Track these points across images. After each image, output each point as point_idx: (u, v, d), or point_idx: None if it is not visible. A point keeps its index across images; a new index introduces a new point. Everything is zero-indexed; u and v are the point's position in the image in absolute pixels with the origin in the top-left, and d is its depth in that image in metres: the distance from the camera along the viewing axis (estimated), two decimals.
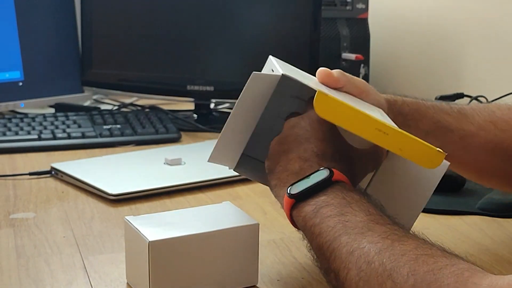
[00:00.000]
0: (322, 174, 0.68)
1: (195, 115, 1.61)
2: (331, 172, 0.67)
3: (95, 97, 1.77)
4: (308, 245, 0.68)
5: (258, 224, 0.74)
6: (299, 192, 0.67)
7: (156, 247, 0.68)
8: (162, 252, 0.69)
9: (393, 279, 0.57)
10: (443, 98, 1.43)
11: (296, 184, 0.68)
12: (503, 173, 0.89)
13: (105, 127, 1.43)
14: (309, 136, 0.72)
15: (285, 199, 0.68)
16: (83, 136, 1.38)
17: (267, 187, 0.76)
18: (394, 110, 0.83)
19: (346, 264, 0.61)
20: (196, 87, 1.53)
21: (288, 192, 0.68)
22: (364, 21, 1.70)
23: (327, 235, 0.63)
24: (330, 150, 0.71)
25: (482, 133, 0.86)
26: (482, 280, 0.53)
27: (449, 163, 0.77)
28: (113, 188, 1.04)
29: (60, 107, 1.58)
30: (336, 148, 0.72)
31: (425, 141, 0.71)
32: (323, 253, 0.64)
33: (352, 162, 0.73)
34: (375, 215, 0.64)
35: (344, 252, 0.61)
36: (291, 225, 0.70)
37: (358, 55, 1.62)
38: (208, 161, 0.77)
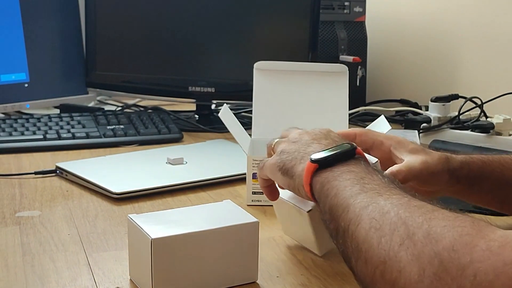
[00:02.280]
0: (345, 147, 0.69)
1: (196, 116, 1.61)
2: (354, 146, 0.69)
3: (99, 98, 1.77)
4: (321, 211, 0.66)
5: (258, 222, 0.74)
6: (323, 157, 0.68)
7: (159, 244, 0.68)
8: (164, 249, 0.69)
9: (407, 225, 0.55)
10: (438, 99, 1.43)
11: (319, 153, 0.69)
12: None
13: (108, 127, 1.43)
14: (323, 132, 0.76)
15: (307, 165, 0.68)
16: (87, 136, 1.38)
17: None
18: (460, 176, 0.83)
19: (358, 217, 0.59)
20: (198, 89, 1.53)
21: (312, 158, 0.68)
22: (361, 24, 1.70)
23: (343, 194, 0.63)
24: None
25: None
26: (496, 230, 0.52)
27: (376, 160, 0.81)
28: (117, 187, 1.03)
29: (64, 108, 1.58)
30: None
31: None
32: (336, 211, 0.62)
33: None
34: (394, 183, 0.64)
35: (358, 207, 0.60)
36: (307, 193, 0.69)
37: (356, 57, 1.62)
38: None
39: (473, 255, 0.50)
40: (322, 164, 0.67)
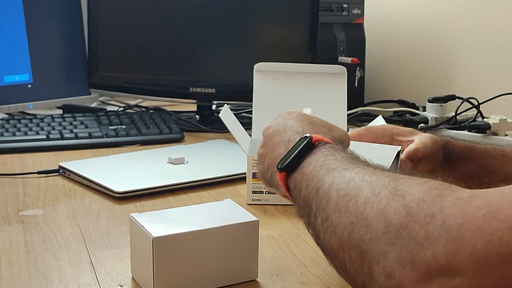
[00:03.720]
0: (302, 142, 0.68)
1: (197, 116, 1.61)
2: (310, 137, 0.67)
3: (101, 99, 1.77)
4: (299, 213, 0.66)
5: (258, 221, 0.74)
6: (286, 164, 0.67)
7: (160, 242, 0.68)
8: (166, 248, 0.69)
9: (372, 185, 0.54)
10: (435, 99, 1.43)
11: (282, 159, 0.68)
12: None
13: (111, 127, 1.43)
14: (285, 124, 0.74)
15: (278, 177, 0.68)
16: (90, 136, 1.38)
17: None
18: (446, 151, 0.86)
19: (327, 194, 0.58)
20: (198, 89, 1.54)
21: (278, 167, 0.68)
22: (360, 26, 1.70)
23: (312, 183, 0.62)
24: (307, 126, 0.73)
25: None
26: (465, 189, 0.51)
27: (400, 147, 0.84)
28: (119, 186, 1.03)
29: (67, 109, 1.58)
30: (312, 120, 0.74)
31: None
32: (308, 199, 0.62)
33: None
34: (357, 162, 0.63)
35: (327, 186, 0.59)
36: (289, 199, 0.69)
37: (354, 59, 1.62)
38: None
39: (443, 204, 0.49)
40: (289, 170, 0.67)
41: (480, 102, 1.38)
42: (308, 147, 0.67)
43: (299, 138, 0.69)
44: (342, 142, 0.73)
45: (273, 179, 0.72)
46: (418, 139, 0.85)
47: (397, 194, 0.52)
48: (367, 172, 0.57)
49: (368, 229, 0.52)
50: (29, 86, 1.53)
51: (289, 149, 0.68)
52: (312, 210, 0.60)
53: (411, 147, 0.84)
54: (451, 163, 0.87)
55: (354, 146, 0.80)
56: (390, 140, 0.89)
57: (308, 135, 0.68)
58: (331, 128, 0.74)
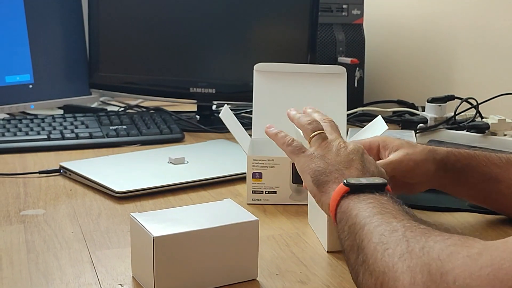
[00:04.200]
0: (378, 180, 0.73)
1: (197, 116, 1.61)
2: (385, 183, 0.73)
3: (102, 99, 1.77)
4: (340, 230, 0.69)
5: (258, 221, 0.74)
6: (356, 183, 0.71)
7: (160, 242, 0.68)
8: (166, 247, 0.69)
9: (409, 242, 0.58)
10: (435, 100, 1.43)
11: (354, 178, 0.72)
12: None
13: (111, 127, 1.43)
14: (365, 158, 0.78)
15: (339, 186, 0.72)
16: (91, 136, 1.38)
17: None
18: (447, 167, 0.87)
19: (371, 233, 0.62)
20: (199, 90, 1.54)
21: (346, 181, 0.71)
22: (359, 27, 1.70)
23: (363, 214, 0.66)
24: (376, 169, 0.78)
25: None
26: (479, 241, 0.56)
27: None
28: (119, 185, 1.04)
29: (68, 109, 1.58)
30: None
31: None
32: (354, 229, 0.65)
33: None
34: (410, 213, 0.66)
35: (373, 226, 0.63)
36: (330, 212, 0.72)
37: (354, 59, 1.61)
38: None
39: (454, 262, 0.53)
40: (353, 189, 0.71)
41: (479, 102, 1.38)
42: (380, 187, 0.72)
43: (378, 177, 0.74)
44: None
45: (326, 187, 0.75)
46: (390, 157, 0.86)
47: (424, 251, 0.57)
48: (410, 227, 0.61)
49: (396, 283, 0.56)
50: (30, 86, 1.53)
51: (366, 177, 0.74)
52: (355, 243, 0.64)
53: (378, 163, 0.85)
54: (455, 172, 0.87)
55: None
56: (376, 153, 0.89)
57: (383, 179, 0.73)
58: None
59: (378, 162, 0.83)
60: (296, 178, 0.97)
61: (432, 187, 0.90)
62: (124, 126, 1.44)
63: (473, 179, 0.87)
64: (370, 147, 0.89)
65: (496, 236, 0.90)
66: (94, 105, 1.72)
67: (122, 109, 1.69)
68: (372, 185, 0.71)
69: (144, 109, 1.68)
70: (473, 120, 1.37)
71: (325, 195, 0.74)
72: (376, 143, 0.90)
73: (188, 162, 1.18)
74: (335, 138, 0.81)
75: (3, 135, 1.35)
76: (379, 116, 1.02)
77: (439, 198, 1.02)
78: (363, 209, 0.67)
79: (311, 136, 0.82)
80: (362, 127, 1.07)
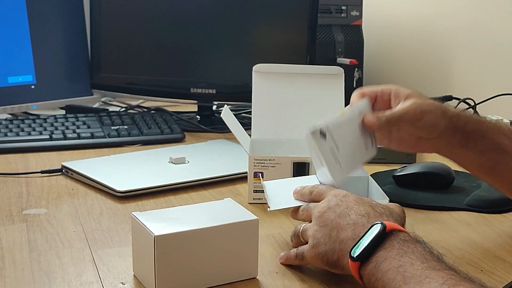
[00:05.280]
0: (376, 229, 0.67)
1: (198, 117, 1.61)
2: (383, 225, 0.67)
3: (103, 99, 1.77)
4: None
5: (258, 220, 0.74)
6: (360, 253, 0.66)
7: (161, 241, 0.68)
8: (167, 246, 0.69)
9: None
10: (433, 100, 1.42)
11: (356, 246, 0.67)
12: None
13: (113, 128, 1.43)
14: (347, 206, 0.73)
15: (350, 265, 0.67)
16: (92, 136, 1.38)
17: None
18: (457, 126, 0.83)
19: None
20: (199, 90, 1.54)
21: (352, 256, 0.67)
22: (358, 28, 1.70)
23: (387, 283, 0.63)
24: (369, 208, 0.72)
25: None
26: None
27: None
28: (121, 185, 1.04)
29: (70, 109, 1.58)
30: (371, 202, 0.74)
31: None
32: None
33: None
34: (431, 261, 0.63)
35: None
36: (360, 283, 0.68)
37: (353, 60, 1.62)
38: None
39: None
40: (363, 259, 0.66)
41: (476, 102, 1.38)
42: (381, 237, 0.66)
43: (371, 226, 0.68)
44: (402, 222, 0.73)
45: (340, 263, 0.70)
46: (398, 106, 0.84)
47: None
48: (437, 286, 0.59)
49: None
50: (32, 87, 1.53)
51: (360, 235, 0.68)
52: None
53: (386, 111, 0.83)
54: (464, 134, 0.83)
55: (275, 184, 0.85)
56: (387, 100, 0.87)
57: (379, 222, 0.67)
58: (391, 211, 0.73)
59: (387, 111, 0.82)
60: None
61: (438, 150, 0.86)
62: (126, 126, 1.44)
63: (481, 146, 0.83)
64: (382, 94, 0.86)
65: (492, 234, 0.90)
66: (96, 105, 1.72)
67: (123, 109, 1.69)
68: (375, 240, 0.66)
69: (145, 110, 1.68)
70: None
71: (346, 271, 0.70)
72: (388, 91, 0.87)
73: (188, 162, 1.18)
74: (314, 211, 0.76)
75: (6, 135, 1.35)
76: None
77: (438, 197, 1.03)
78: (386, 281, 0.63)
79: (296, 234, 0.79)
80: None
